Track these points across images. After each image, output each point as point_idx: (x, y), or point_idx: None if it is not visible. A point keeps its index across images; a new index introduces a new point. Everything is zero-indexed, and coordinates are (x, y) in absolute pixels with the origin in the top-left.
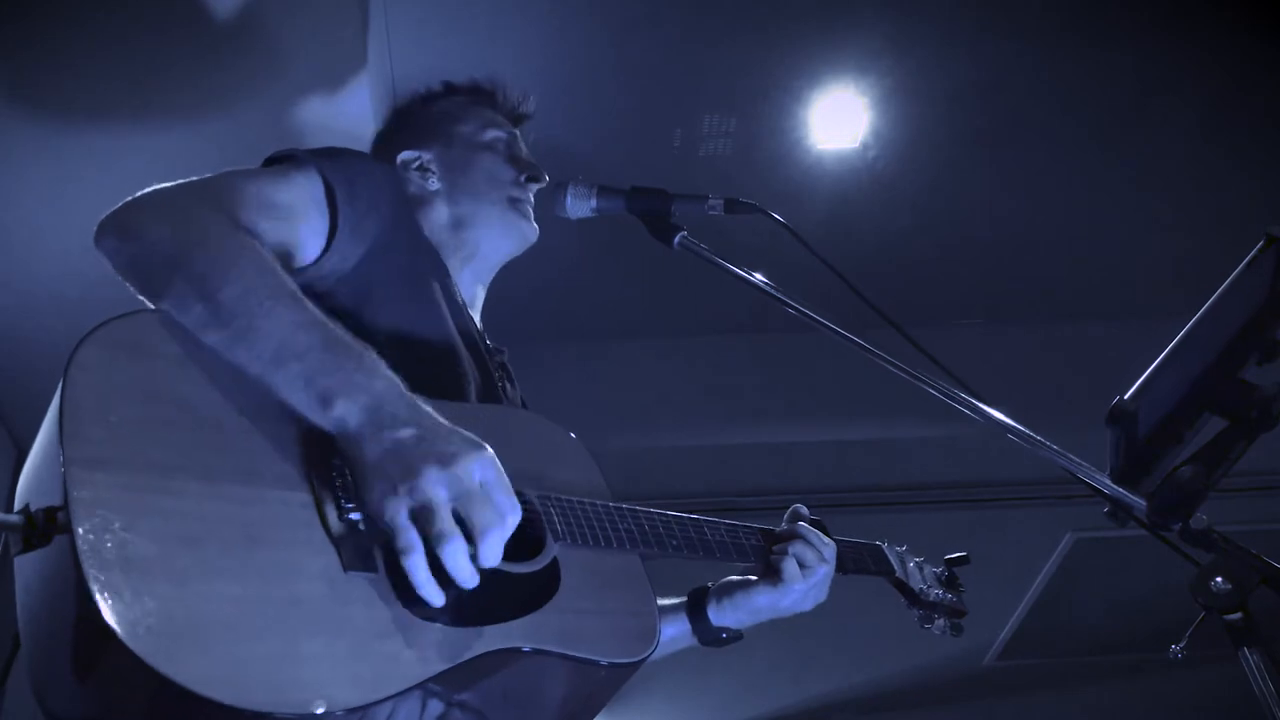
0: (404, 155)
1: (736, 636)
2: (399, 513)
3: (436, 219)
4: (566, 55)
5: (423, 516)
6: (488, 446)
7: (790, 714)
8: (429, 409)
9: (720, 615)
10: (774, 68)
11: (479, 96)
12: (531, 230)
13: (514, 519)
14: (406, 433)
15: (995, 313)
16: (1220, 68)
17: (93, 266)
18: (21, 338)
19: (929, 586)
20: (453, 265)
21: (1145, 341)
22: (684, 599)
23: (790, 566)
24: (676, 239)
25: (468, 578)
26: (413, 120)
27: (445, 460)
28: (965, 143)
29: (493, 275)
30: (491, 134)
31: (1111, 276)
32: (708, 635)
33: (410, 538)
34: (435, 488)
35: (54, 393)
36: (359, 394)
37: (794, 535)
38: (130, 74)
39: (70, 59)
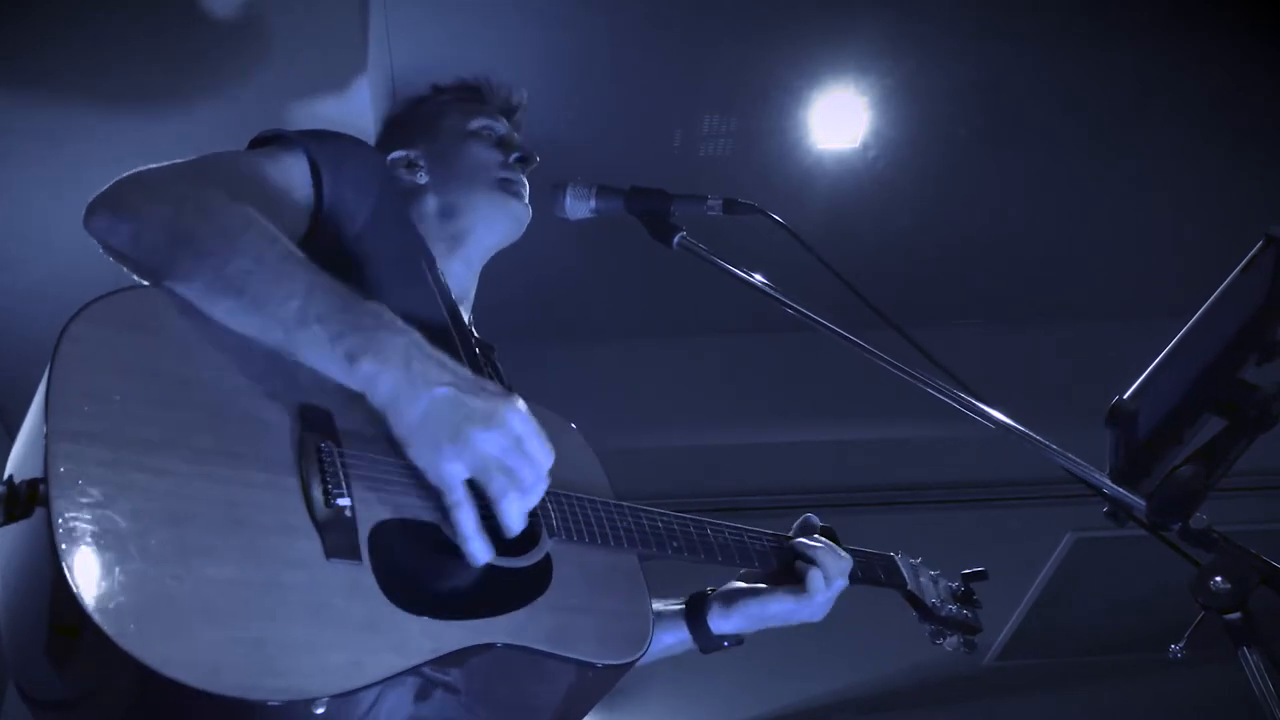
0: (393, 155)
1: (737, 642)
2: (451, 472)
3: (426, 210)
4: (566, 55)
5: (479, 476)
6: (517, 395)
7: (790, 714)
8: (451, 360)
9: (723, 622)
10: (774, 68)
11: (468, 93)
12: (524, 210)
13: (548, 462)
14: (441, 391)
15: (995, 313)
16: (1220, 68)
17: (90, 262)
18: (18, 335)
19: (942, 601)
20: (441, 254)
21: (1145, 341)
22: (682, 605)
23: (816, 578)
24: (676, 239)
25: (518, 526)
26: (402, 122)
27: (486, 418)
28: (965, 143)
29: (484, 262)
30: (479, 123)
31: (1111, 276)
32: (708, 643)
33: (462, 493)
34: (483, 447)
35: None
36: (388, 351)
37: (815, 545)
38: (128, 69)
39: (69, 54)
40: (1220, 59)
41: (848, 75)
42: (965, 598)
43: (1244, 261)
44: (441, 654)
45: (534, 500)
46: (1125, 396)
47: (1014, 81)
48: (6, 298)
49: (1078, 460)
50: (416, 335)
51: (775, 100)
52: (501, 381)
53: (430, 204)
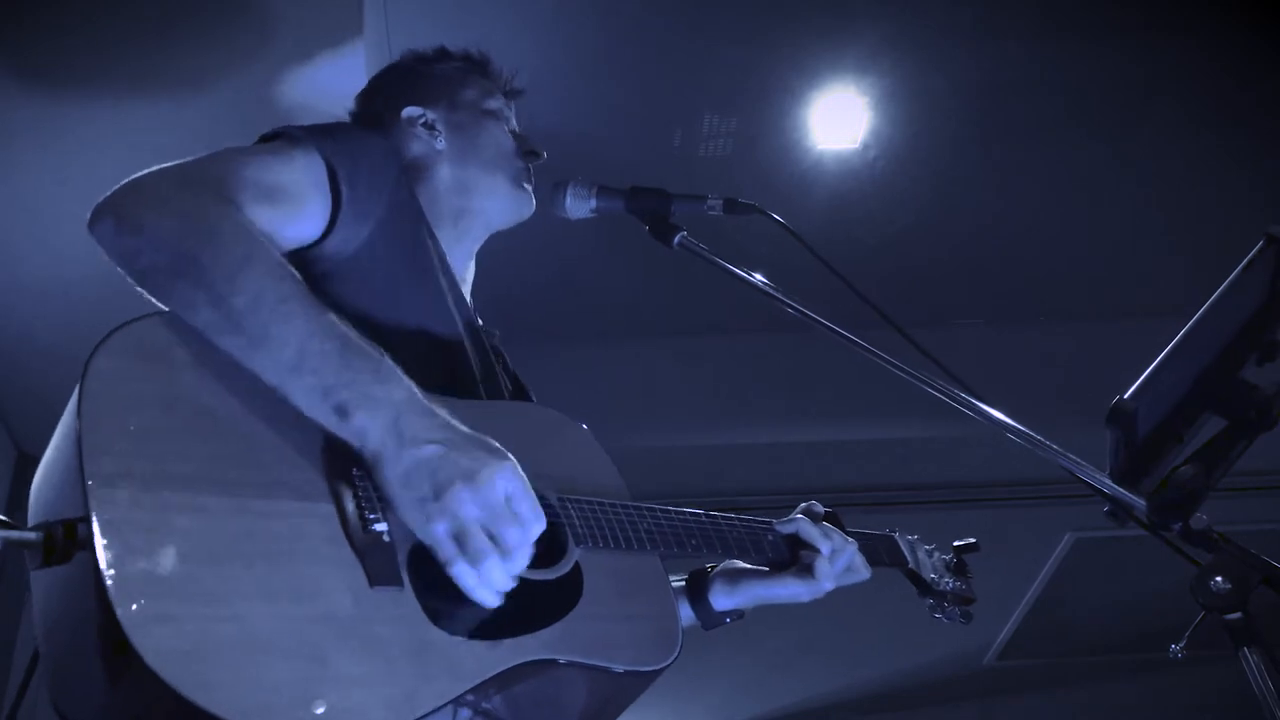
0: (409, 111)
1: (739, 617)
2: (436, 531)
3: (439, 182)
4: (567, 55)
5: (459, 537)
6: (509, 455)
7: (790, 714)
8: (447, 416)
9: (726, 599)
10: (774, 68)
11: (473, 66)
12: (531, 203)
13: (538, 529)
14: (429, 450)
15: (995, 313)
16: (1220, 67)
17: (90, 260)
18: (19, 335)
19: (940, 575)
20: (446, 238)
21: (1145, 341)
22: (683, 582)
23: (823, 565)
24: (676, 239)
25: (503, 589)
26: (414, 78)
27: (470, 477)
28: (965, 143)
29: (481, 242)
30: (494, 103)
31: (1111, 276)
32: (711, 620)
33: (452, 549)
34: (466, 507)
35: (65, 401)
36: (377, 407)
37: (820, 532)
38: (126, 50)
39: (65, 37)
40: (1220, 59)
41: (848, 75)
42: (959, 569)
43: (1244, 261)
44: (490, 675)
45: (519, 564)
46: (1125, 396)
47: (1014, 81)
48: (3, 292)
49: (1078, 460)
50: (412, 388)
51: (775, 100)
52: (507, 368)
53: (443, 174)
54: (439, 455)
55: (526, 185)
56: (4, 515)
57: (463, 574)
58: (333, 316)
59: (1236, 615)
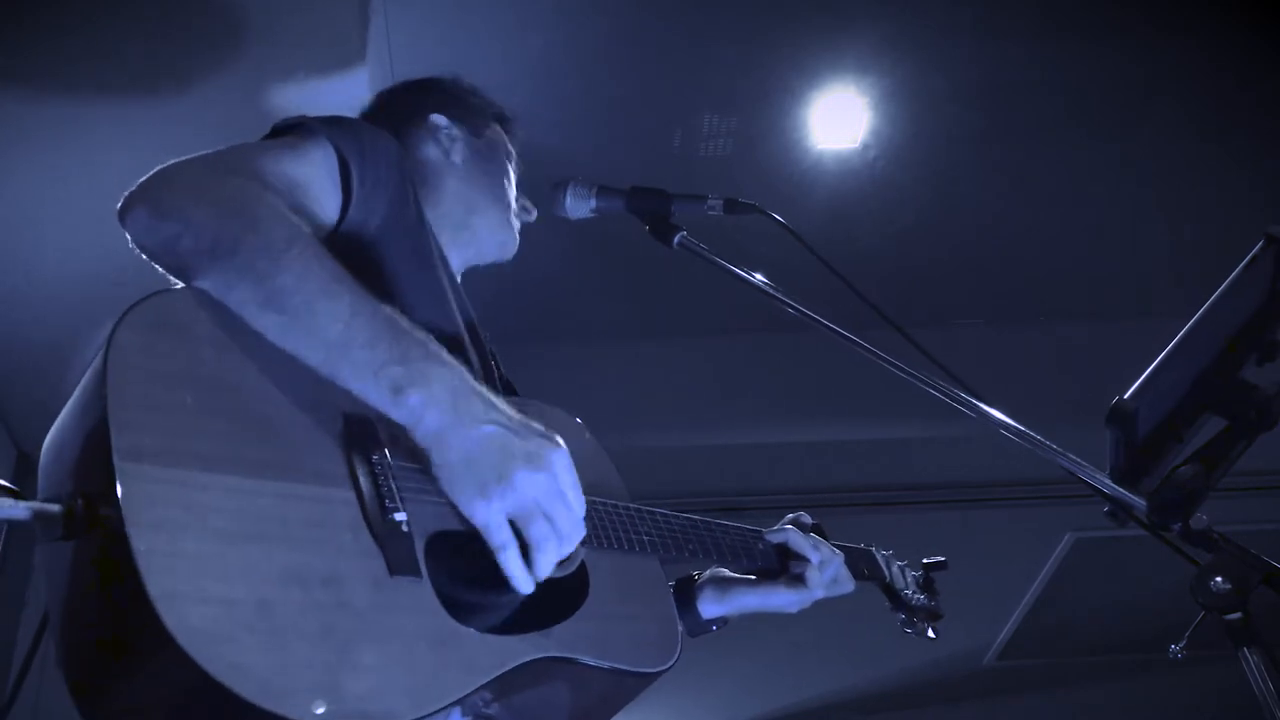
0: (438, 118)
1: (723, 624)
2: (494, 512)
3: (446, 192)
4: (567, 55)
5: (520, 519)
6: (560, 440)
7: (790, 714)
8: (498, 400)
9: (715, 607)
10: (774, 68)
11: (502, 119)
12: (515, 244)
13: (582, 512)
14: (489, 429)
15: (995, 313)
16: (1220, 67)
17: (92, 263)
18: (19, 335)
19: (912, 591)
20: (445, 243)
21: (1145, 341)
22: (669, 589)
23: (814, 575)
24: (676, 239)
25: (541, 579)
26: (449, 93)
27: (532, 459)
28: (965, 143)
29: (466, 265)
30: (510, 154)
31: (1111, 276)
32: (697, 627)
33: (507, 535)
34: (528, 489)
35: (65, 401)
36: (433, 385)
37: (811, 543)
38: (126, 52)
39: (69, 49)
40: (1220, 59)
41: (848, 75)
42: (928, 586)
43: (1244, 262)
44: (507, 669)
45: (569, 549)
46: (1125, 396)
47: (1014, 81)
48: (3, 293)
49: (1078, 460)
50: (462, 370)
51: (775, 100)
52: (501, 373)
53: (451, 186)
54: (499, 435)
55: (516, 225)
56: (39, 502)
57: (511, 560)
58: (376, 300)
59: (1236, 615)
